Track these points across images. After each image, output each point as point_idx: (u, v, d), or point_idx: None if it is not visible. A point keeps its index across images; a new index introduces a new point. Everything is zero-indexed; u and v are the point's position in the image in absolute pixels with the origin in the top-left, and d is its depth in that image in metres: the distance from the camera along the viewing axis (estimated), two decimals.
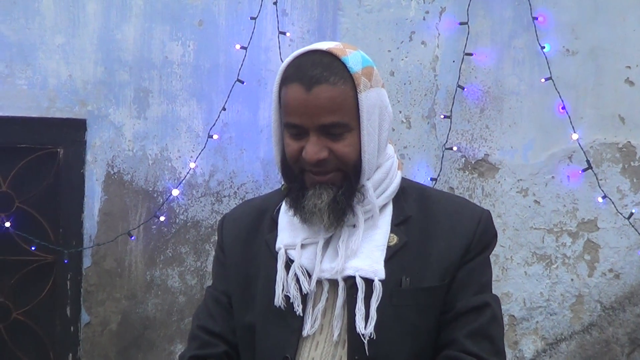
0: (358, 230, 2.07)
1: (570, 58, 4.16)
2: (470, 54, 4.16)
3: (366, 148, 2.04)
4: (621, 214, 4.09)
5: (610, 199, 4.09)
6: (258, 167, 4.42)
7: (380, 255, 2.06)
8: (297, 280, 2.07)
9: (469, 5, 4.13)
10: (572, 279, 4.17)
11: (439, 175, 4.17)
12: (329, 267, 2.06)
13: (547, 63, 4.10)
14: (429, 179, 4.17)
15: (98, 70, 4.39)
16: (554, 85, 4.09)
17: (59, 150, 4.41)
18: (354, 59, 2.06)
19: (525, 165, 4.17)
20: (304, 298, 2.08)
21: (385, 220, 2.11)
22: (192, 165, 4.35)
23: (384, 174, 2.12)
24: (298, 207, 2.07)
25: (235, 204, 4.39)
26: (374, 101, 2.06)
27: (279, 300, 2.08)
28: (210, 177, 4.43)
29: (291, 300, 2.07)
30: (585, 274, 4.16)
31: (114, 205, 4.41)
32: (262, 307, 2.13)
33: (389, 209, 2.13)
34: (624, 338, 4.14)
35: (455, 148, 4.19)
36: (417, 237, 2.10)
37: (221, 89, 4.36)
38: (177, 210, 4.42)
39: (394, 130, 4.19)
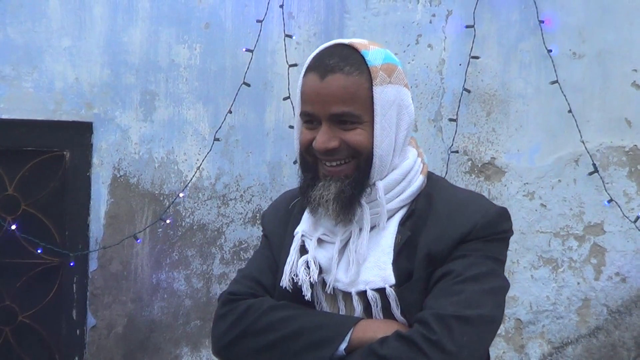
0: (363, 234, 2.05)
1: (577, 61, 4.15)
2: (477, 57, 4.15)
3: (379, 142, 2.02)
4: (627, 217, 4.08)
5: (617, 203, 4.09)
6: (264, 170, 4.42)
7: (388, 259, 2.03)
8: (307, 269, 2.07)
9: (475, 8, 4.13)
10: (578, 283, 4.16)
11: (445, 178, 4.15)
12: (343, 277, 2.06)
13: (554, 66, 4.10)
14: None
15: (104, 73, 4.39)
16: (561, 88, 4.08)
17: (65, 153, 4.41)
18: (376, 54, 2.04)
19: (532, 168, 4.17)
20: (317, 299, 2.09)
21: (394, 221, 2.07)
22: (198, 168, 4.36)
23: (400, 176, 2.08)
24: (306, 197, 2.07)
25: (242, 207, 4.40)
26: (392, 97, 2.03)
27: (285, 281, 2.09)
28: (217, 180, 4.43)
29: (299, 284, 2.07)
30: (592, 277, 4.15)
31: (120, 208, 4.41)
32: (278, 292, 2.13)
33: (403, 211, 2.09)
34: (630, 342, 4.13)
35: (461, 151, 4.18)
36: (418, 229, 2.06)
37: (227, 91, 4.36)
38: (183, 214, 4.42)
39: None
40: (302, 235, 2.13)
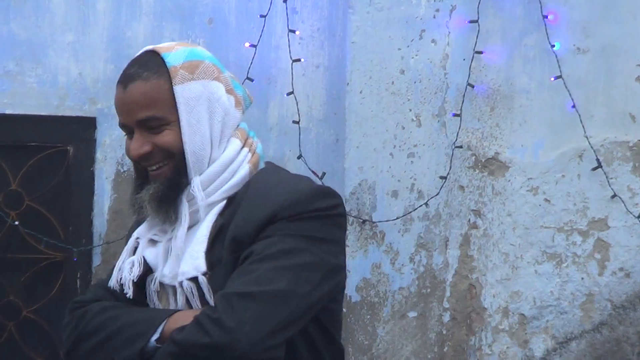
0: (182, 228, 2.08)
1: (581, 56, 4.15)
2: (481, 52, 4.15)
3: (189, 139, 2.06)
4: (631, 212, 4.08)
5: (621, 198, 4.08)
6: None
7: (201, 249, 2.06)
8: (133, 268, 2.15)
9: (479, 3, 4.13)
10: (582, 278, 4.16)
11: (448, 173, 4.16)
12: (168, 272, 2.11)
13: (558, 61, 4.10)
14: (438, 177, 4.17)
15: (108, 68, 4.39)
16: (564, 83, 4.08)
17: (68, 148, 4.41)
18: (178, 54, 2.10)
19: (536, 163, 4.17)
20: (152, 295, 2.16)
21: (214, 212, 2.10)
22: None
23: (220, 168, 2.10)
24: (132, 201, 2.14)
25: None
26: (196, 93, 2.07)
27: (112, 282, 2.18)
28: None
29: (120, 282, 2.15)
30: (596, 272, 4.15)
31: (123, 203, 4.41)
32: (118, 294, 2.20)
33: (224, 202, 2.12)
34: (634, 337, 4.13)
35: (465, 146, 4.18)
36: (231, 216, 2.07)
37: None
38: None
39: (403, 128, 4.19)
40: (137, 238, 2.19)
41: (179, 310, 2.05)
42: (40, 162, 4.42)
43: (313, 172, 4.26)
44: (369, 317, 4.23)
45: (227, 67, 4.36)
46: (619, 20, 4.13)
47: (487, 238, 4.19)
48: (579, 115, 4.08)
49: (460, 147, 4.17)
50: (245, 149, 2.16)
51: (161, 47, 2.13)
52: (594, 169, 4.09)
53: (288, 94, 4.29)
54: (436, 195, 4.18)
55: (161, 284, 2.13)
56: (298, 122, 4.28)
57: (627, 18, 4.13)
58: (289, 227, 2.00)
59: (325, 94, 4.42)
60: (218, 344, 1.88)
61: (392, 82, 4.21)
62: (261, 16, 4.30)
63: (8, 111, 4.35)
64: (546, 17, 4.10)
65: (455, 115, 4.16)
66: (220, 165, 2.10)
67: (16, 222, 4.34)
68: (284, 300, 1.94)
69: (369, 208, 4.22)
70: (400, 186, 4.22)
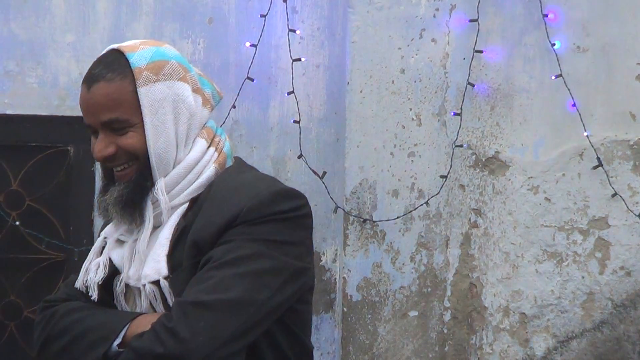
0: (146, 231, 2.07)
1: (581, 55, 4.15)
2: (481, 51, 4.15)
3: (152, 142, 2.04)
4: (632, 211, 4.08)
5: (621, 197, 4.08)
6: (268, 165, 4.42)
7: (163, 252, 2.04)
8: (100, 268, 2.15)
9: (479, 2, 4.13)
10: (583, 277, 4.16)
11: (449, 172, 4.16)
12: (132, 274, 2.09)
13: (558, 60, 4.09)
14: (439, 176, 4.17)
15: None
16: (565, 82, 4.08)
17: (69, 148, 4.41)
18: (143, 54, 2.07)
19: (536, 162, 4.17)
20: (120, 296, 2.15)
21: (177, 214, 2.09)
22: None
23: (185, 170, 2.09)
24: (98, 203, 2.13)
25: None
26: (162, 95, 2.05)
27: (79, 282, 2.18)
28: None
29: (86, 284, 2.15)
30: (596, 271, 4.15)
31: None
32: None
33: (188, 203, 2.10)
34: (635, 335, 4.13)
35: (465, 145, 4.19)
36: (193, 219, 2.05)
37: (231, 86, 4.36)
38: None
39: (404, 128, 4.19)
40: (105, 237, 2.19)
41: (141, 314, 2.05)
42: (41, 162, 4.43)
43: (314, 171, 4.27)
44: (369, 316, 4.23)
45: (227, 66, 4.40)
46: (619, 19, 4.13)
47: (488, 237, 4.19)
48: (580, 114, 4.08)
49: (461, 146, 4.17)
50: (212, 149, 2.14)
51: (126, 46, 2.10)
52: (595, 167, 4.09)
53: (288, 94, 4.29)
54: (437, 194, 4.18)
55: (127, 286, 2.12)
56: (298, 122, 4.28)
57: (628, 16, 4.13)
58: (249, 232, 1.97)
59: (325, 94, 4.42)
60: (172, 354, 1.87)
61: (393, 82, 4.22)
62: (261, 16, 4.30)
63: (8, 111, 4.35)
64: (546, 15, 4.10)
65: (455, 114, 4.17)
66: (185, 167, 2.09)
67: (17, 222, 4.34)
68: (240, 309, 1.92)
69: (370, 207, 4.22)
70: (401, 185, 4.22)
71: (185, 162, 2.08)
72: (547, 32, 4.10)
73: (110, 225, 2.18)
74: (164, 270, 2.02)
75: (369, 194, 4.22)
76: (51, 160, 4.44)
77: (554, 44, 4.10)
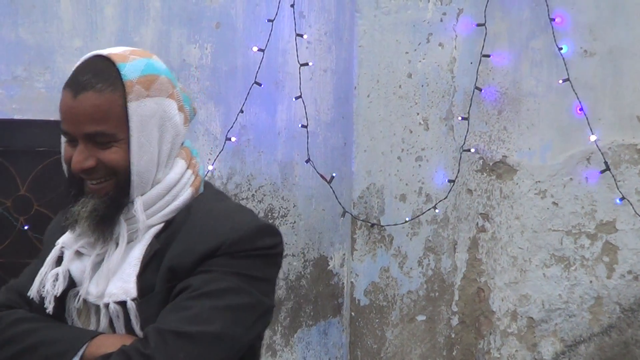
0: (118, 250, 1.99)
1: (588, 59, 4.15)
2: (488, 56, 4.15)
3: (136, 160, 1.96)
4: (639, 215, 4.08)
5: (629, 201, 4.08)
6: (276, 170, 4.43)
7: (133, 272, 1.97)
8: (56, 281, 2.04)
9: (486, 6, 4.13)
10: (590, 281, 4.15)
11: (456, 177, 4.17)
12: (94, 290, 2.00)
13: (565, 64, 4.10)
14: (446, 180, 4.17)
15: None
16: (572, 86, 4.08)
17: None
18: (134, 66, 1.98)
19: (544, 166, 4.17)
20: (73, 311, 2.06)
21: (150, 234, 2.01)
22: (210, 167, 4.36)
23: (163, 190, 2.02)
24: (66, 213, 2.02)
25: (253, 206, 4.40)
26: (150, 111, 1.97)
27: (33, 292, 2.05)
28: (228, 180, 4.44)
29: (43, 295, 2.03)
30: (604, 275, 4.15)
31: None
32: (36, 304, 2.08)
33: (162, 224, 2.03)
34: None
35: (473, 150, 4.19)
36: (168, 242, 1.99)
37: (239, 91, 4.36)
38: None
39: (411, 132, 4.19)
40: (62, 247, 2.08)
41: (101, 334, 1.97)
42: (49, 167, 4.43)
43: (321, 175, 4.27)
44: (377, 320, 4.23)
45: (235, 71, 4.40)
46: (626, 23, 4.13)
47: (496, 241, 4.19)
48: (587, 118, 4.08)
49: (468, 150, 4.18)
50: (189, 171, 2.08)
51: (115, 55, 2.00)
52: (602, 171, 4.09)
53: (296, 98, 4.30)
54: (444, 198, 4.18)
55: (84, 301, 2.03)
56: (306, 126, 4.29)
57: (635, 21, 4.13)
58: (231, 264, 1.93)
59: (332, 98, 4.43)
60: None
61: (400, 86, 4.22)
62: (269, 20, 4.31)
63: (17, 116, 4.35)
64: (553, 20, 4.10)
65: (463, 118, 4.17)
66: (164, 188, 2.02)
67: (25, 227, 4.35)
68: (219, 343, 1.88)
69: (377, 212, 4.22)
70: (408, 190, 4.22)
71: (164, 183, 2.02)
72: (554, 36, 4.11)
73: (68, 234, 2.07)
74: (133, 292, 1.95)
75: (377, 198, 4.22)
76: (59, 165, 4.42)
77: (561, 48, 4.10)
